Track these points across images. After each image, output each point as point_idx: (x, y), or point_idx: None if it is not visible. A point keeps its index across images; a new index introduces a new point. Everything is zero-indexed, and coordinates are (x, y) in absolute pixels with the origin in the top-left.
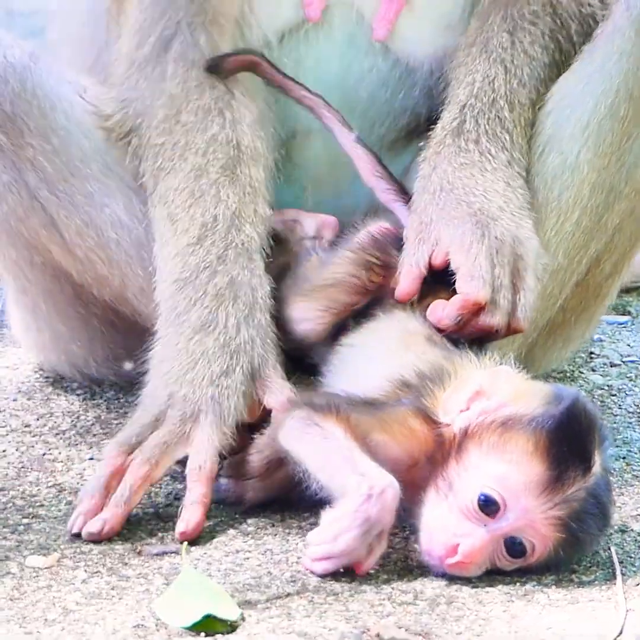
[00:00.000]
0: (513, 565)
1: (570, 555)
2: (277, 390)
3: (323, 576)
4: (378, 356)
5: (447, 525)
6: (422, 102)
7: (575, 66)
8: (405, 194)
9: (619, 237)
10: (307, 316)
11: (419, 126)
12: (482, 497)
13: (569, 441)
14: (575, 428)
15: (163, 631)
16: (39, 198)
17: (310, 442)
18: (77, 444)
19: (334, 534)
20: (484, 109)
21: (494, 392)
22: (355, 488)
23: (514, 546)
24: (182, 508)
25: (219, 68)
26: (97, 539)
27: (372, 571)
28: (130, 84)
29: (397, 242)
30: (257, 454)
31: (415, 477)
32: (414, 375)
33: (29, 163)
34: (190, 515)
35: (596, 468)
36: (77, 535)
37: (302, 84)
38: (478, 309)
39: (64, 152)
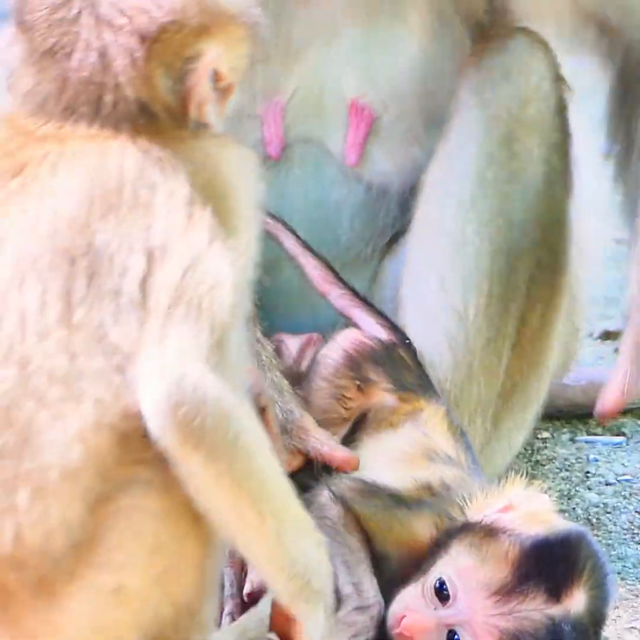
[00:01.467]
0: None
1: None
2: (314, 438)
3: None
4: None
5: (406, 599)
6: (397, 214)
7: (438, 149)
8: (360, 299)
9: (535, 289)
10: None
11: (392, 236)
12: (438, 582)
13: (542, 565)
14: (556, 556)
15: None
16: None
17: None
18: None
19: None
20: None
21: (519, 508)
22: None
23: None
24: None
25: None
26: None
27: None
28: None
29: (371, 353)
30: None
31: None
32: (438, 482)
33: None
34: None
35: (571, 606)
36: None
37: None
38: None
39: None
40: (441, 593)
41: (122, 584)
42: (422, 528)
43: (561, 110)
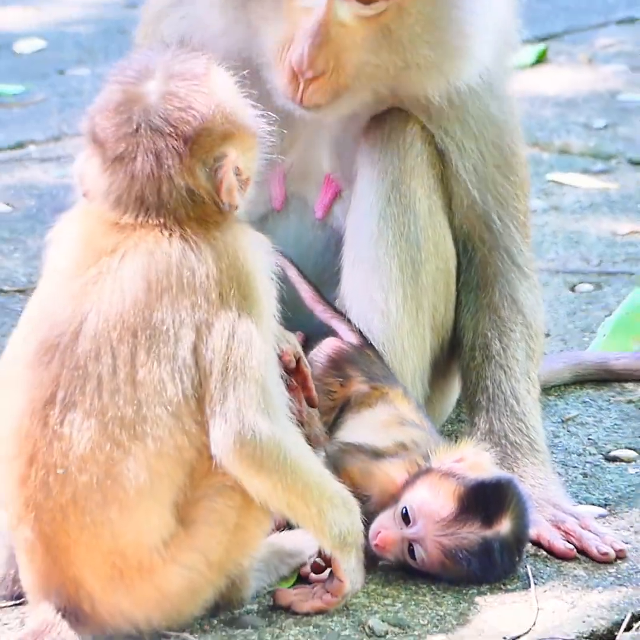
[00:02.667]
0: (416, 567)
1: (456, 576)
2: (314, 423)
3: None
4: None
5: (381, 520)
6: None
7: (353, 198)
8: (337, 311)
9: (438, 287)
10: None
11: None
12: (404, 509)
13: (480, 500)
14: (491, 494)
15: None
16: None
17: None
18: None
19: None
20: None
21: (468, 459)
22: None
23: (410, 551)
24: None
25: None
26: None
27: (364, 584)
28: None
29: (348, 356)
30: None
31: (389, 498)
32: (409, 440)
33: None
34: None
35: (500, 530)
36: None
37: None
38: None
39: None
40: (405, 517)
41: (209, 560)
42: (397, 473)
43: (434, 160)
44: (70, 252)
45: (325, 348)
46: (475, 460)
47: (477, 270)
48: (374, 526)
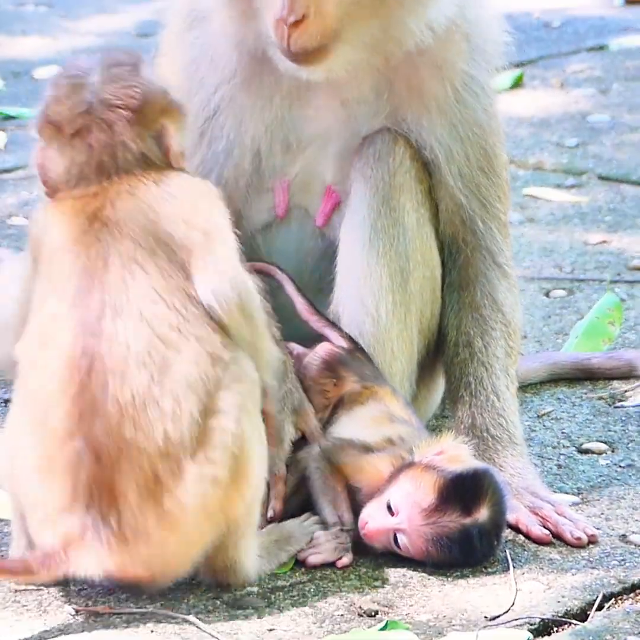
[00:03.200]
0: (402, 553)
1: (438, 561)
2: (310, 420)
3: (324, 570)
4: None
5: (368, 511)
6: None
7: (346, 211)
8: (329, 321)
9: (425, 293)
10: None
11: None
12: (388, 501)
13: (458, 490)
14: (468, 484)
15: None
16: None
17: (316, 481)
18: None
19: (319, 544)
20: None
21: (447, 452)
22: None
23: (396, 540)
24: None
25: None
26: None
27: (354, 566)
28: None
29: (340, 358)
30: (291, 475)
31: (376, 489)
32: (396, 436)
33: None
34: (275, 502)
35: (478, 518)
36: None
37: (259, 259)
38: None
39: None
40: (390, 509)
41: (216, 476)
42: (384, 467)
43: (421, 176)
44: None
45: (319, 352)
46: (455, 453)
47: (459, 271)
48: (362, 516)
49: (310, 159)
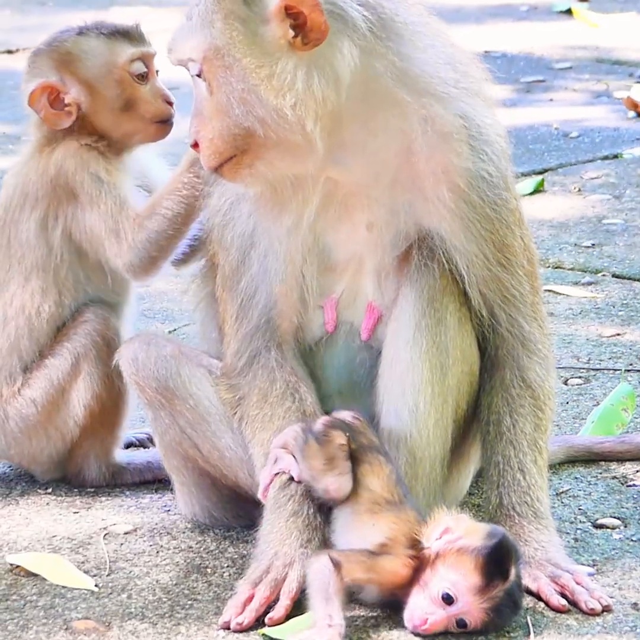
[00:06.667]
0: (459, 631)
1: (497, 625)
2: None
3: None
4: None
5: (422, 607)
6: None
7: (392, 317)
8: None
9: (463, 388)
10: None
11: None
12: (444, 594)
13: (496, 563)
14: (500, 555)
15: None
16: (186, 432)
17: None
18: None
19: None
20: None
21: (456, 529)
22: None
23: (460, 622)
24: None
25: None
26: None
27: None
28: (235, 378)
29: (338, 424)
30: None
31: (404, 585)
32: (385, 539)
33: (178, 414)
34: (277, 610)
35: (512, 578)
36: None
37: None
38: None
39: (198, 407)
40: (446, 599)
41: None
42: (398, 566)
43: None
44: None
45: (322, 420)
46: (463, 526)
47: (490, 355)
48: (416, 615)
49: (351, 278)
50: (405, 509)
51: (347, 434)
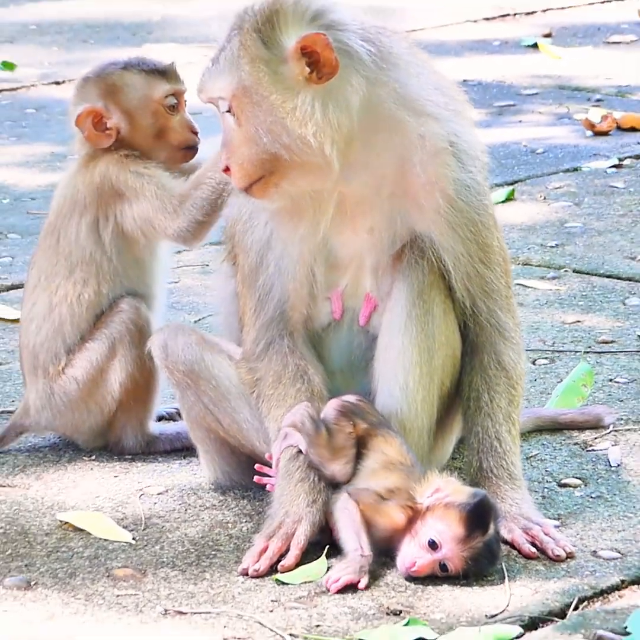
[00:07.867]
0: (442, 575)
1: (475, 572)
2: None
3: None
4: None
5: (412, 552)
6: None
7: (385, 309)
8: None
9: (448, 369)
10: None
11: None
12: (430, 540)
13: (477, 518)
14: (481, 511)
15: None
16: (209, 408)
17: (342, 517)
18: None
19: (339, 573)
20: None
21: (445, 488)
22: (352, 553)
23: (443, 566)
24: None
25: None
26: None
27: (382, 576)
28: (253, 362)
29: (349, 407)
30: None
31: (399, 532)
32: (394, 487)
33: (202, 393)
34: (288, 559)
35: (491, 532)
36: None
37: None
38: None
39: (220, 387)
40: (432, 545)
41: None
42: (396, 514)
43: (444, 274)
44: None
45: (332, 404)
46: (453, 487)
47: (471, 341)
48: (406, 558)
49: (353, 273)
50: (415, 471)
51: (352, 422)
